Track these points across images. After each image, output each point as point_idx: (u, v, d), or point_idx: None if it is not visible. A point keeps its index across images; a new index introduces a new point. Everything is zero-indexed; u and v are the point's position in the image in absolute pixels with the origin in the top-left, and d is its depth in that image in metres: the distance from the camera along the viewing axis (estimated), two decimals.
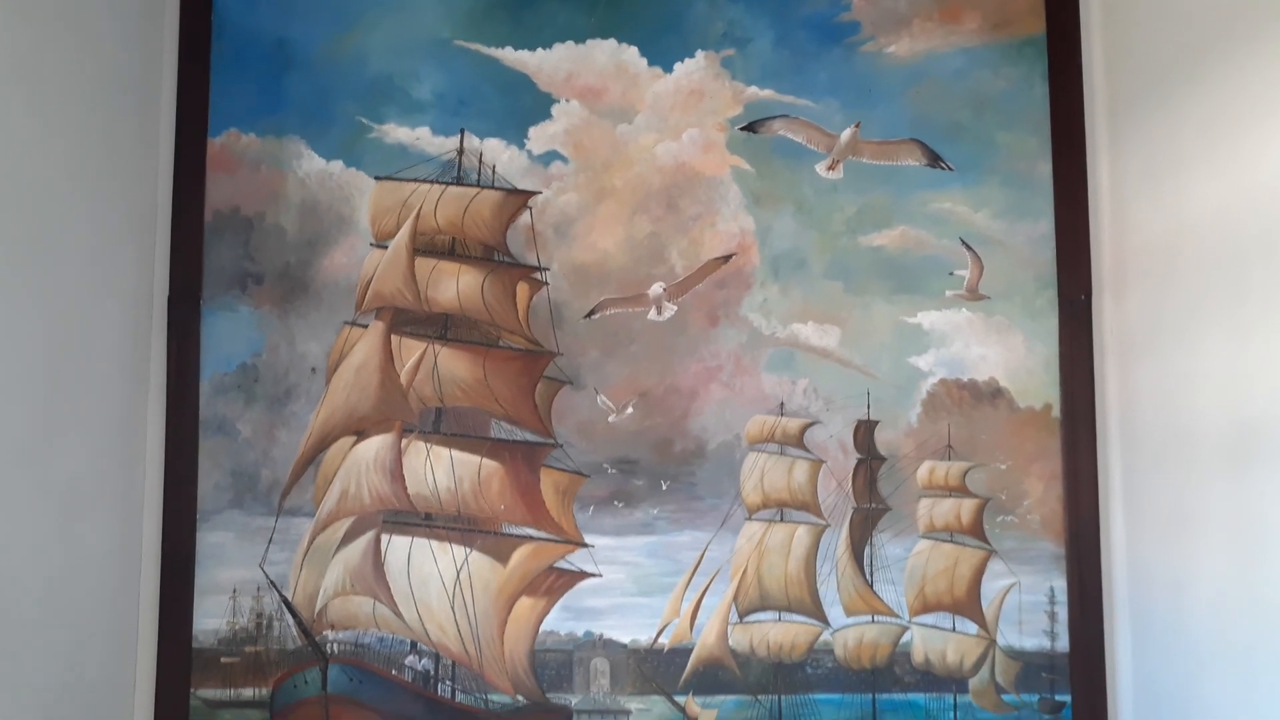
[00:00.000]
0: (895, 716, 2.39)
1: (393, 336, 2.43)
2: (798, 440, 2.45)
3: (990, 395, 2.43)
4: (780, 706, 2.39)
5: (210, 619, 2.36)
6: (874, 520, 2.44)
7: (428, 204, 2.44)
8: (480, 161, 2.45)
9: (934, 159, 2.45)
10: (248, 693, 2.36)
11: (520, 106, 2.46)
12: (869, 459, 2.44)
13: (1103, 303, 2.41)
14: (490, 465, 2.44)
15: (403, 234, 2.43)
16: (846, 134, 2.43)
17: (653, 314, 2.43)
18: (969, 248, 2.44)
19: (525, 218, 2.44)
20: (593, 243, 2.44)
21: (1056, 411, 2.41)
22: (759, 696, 2.39)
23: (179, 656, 2.34)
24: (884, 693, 2.40)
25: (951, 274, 2.44)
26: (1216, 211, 1.96)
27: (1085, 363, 2.40)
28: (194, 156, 2.40)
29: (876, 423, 2.43)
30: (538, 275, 2.44)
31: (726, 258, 2.44)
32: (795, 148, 2.45)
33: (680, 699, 2.39)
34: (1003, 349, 2.43)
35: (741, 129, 2.46)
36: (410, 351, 2.43)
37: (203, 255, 2.40)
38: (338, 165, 2.44)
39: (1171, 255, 2.14)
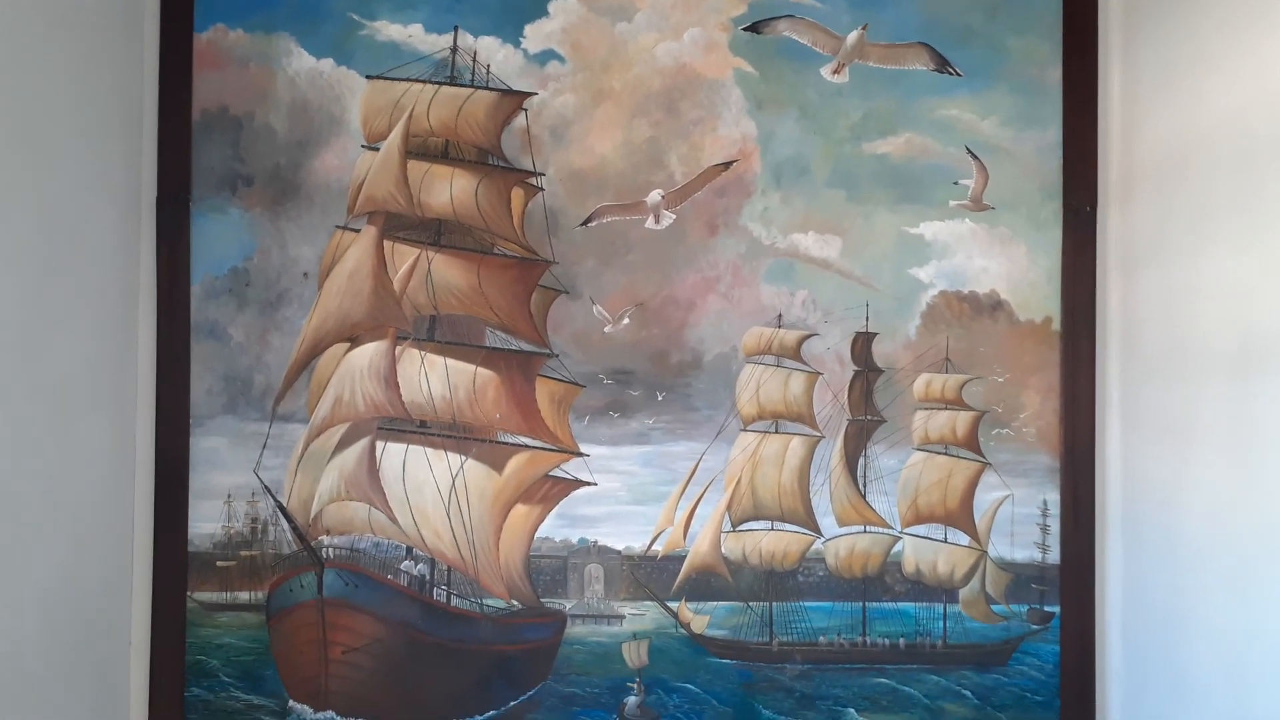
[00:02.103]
0: (885, 625, 2.43)
1: (385, 242, 2.38)
2: (795, 353, 2.43)
3: (990, 308, 2.40)
4: (771, 613, 2.41)
5: (205, 523, 2.37)
6: (869, 432, 2.43)
7: (420, 105, 2.37)
8: (474, 61, 2.37)
9: (942, 64, 2.38)
10: (244, 596, 2.38)
11: (516, 3, 2.37)
12: (866, 371, 2.42)
13: (1108, 214, 2.37)
14: (485, 374, 2.42)
15: (394, 136, 2.37)
16: (853, 36, 2.35)
17: (650, 222, 2.39)
18: (974, 156, 2.38)
19: (520, 120, 2.38)
20: (590, 147, 2.38)
21: (1057, 324, 2.39)
22: (750, 603, 2.42)
23: (175, 560, 2.35)
24: (874, 601, 2.43)
25: (956, 183, 2.39)
26: (1231, 116, 1.91)
27: (1088, 275, 2.37)
28: (180, 52, 2.33)
29: (875, 335, 2.41)
30: (533, 180, 2.38)
31: (727, 164, 2.39)
32: (800, 50, 2.38)
33: (673, 605, 2.41)
34: (1005, 261, 2.40)
35: (745, 29, 2.38)
36: (403, 258, 2.39)
37: (191, 156, 2.34)
38: (328, 64, 2.37)
39: (1181, 164, 2.09)
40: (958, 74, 2.38)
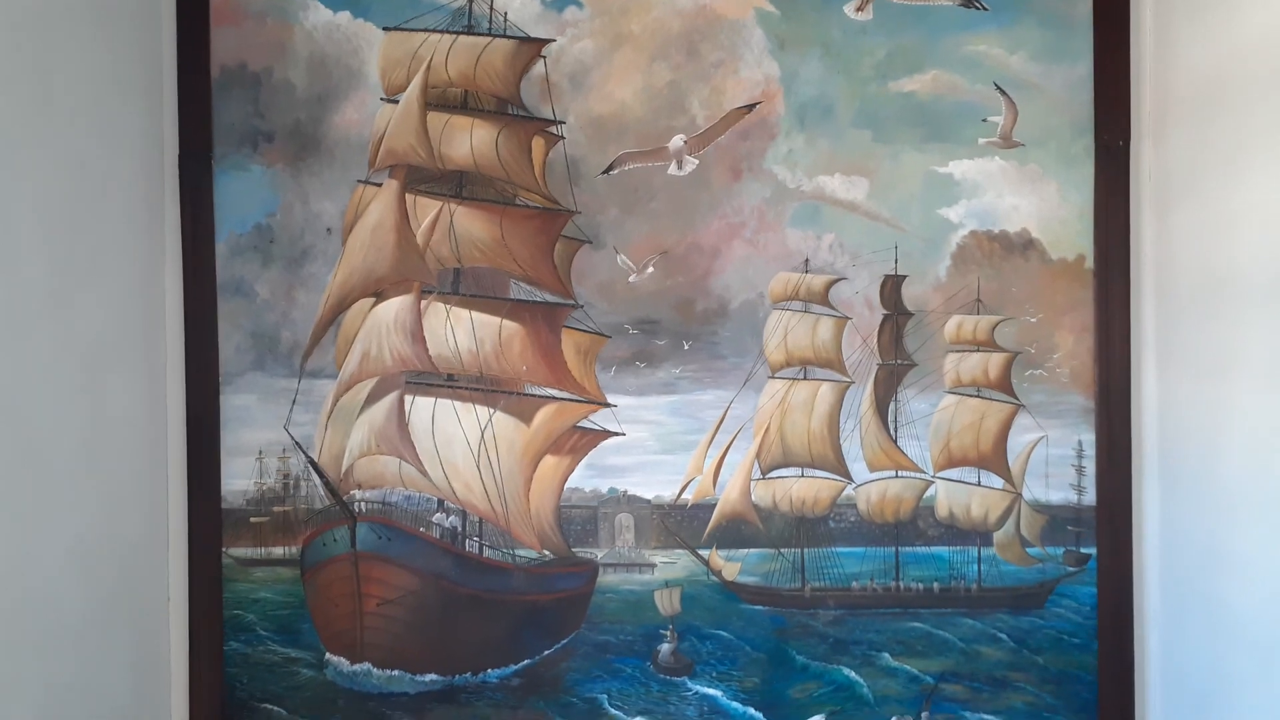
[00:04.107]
0: (918, 569, 2.41)
1: (407, 195, 2.37)
2: (822, 297, 2.40)
3: (1022, 247, 2.36)
4: (803, 559, 2.41)
5: (238, 480, 2.39)
6: (899, 376, 2.41)
7: (438, 55, 2.35)
8: (491, 9, 2.35)
9: None
10: (278, 551, 2.40)
11: None
12: (895, 315, 2.39)
13: (1141, 148, 2.32)
14: (511, 326, 2.41)
15: (413, 88, 2.35)
16: None
17: (673, 168, 2.36)
18: (1003, 93, 2.33)
19: (539, 68, 2.35)
20: (609, 93, 2.35)
21: (1090, 262, 2.34)
22: (781, 550, 2.41)
23: (209, 517, 2.38)
24: (907, 546, 2.41)
25: (985, 121, 2.34)
26: (1269, 33, 1.84)
27: (1121, 211, 2.32)
28: (197, 8, 2.32)
29: (904, 277, 2.37)
30: (553, 129, 2.36)
31: (750, 107, 2.35)
32: None
33: (704, 552, 2.41)
34: (1036, 199, 2.35)
35: None
36: (425, 211, 2.38)
37: (211, 112, 2.34)
38: (345, 16, 2.35)
39: (1217, 90, 2.03)
40: (985, 8, 2.32)
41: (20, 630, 1.77)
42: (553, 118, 2.36)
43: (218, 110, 2.35)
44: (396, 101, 2.36)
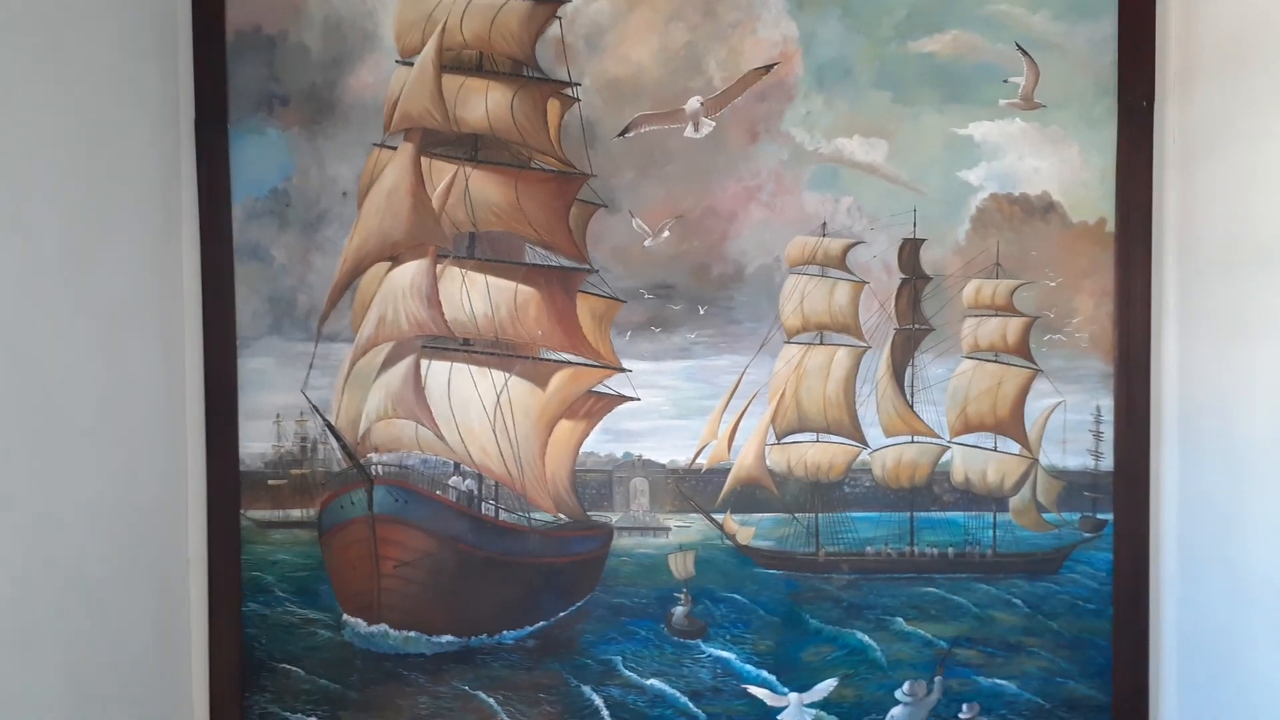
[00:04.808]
0: (933, 534, 2.41)
1: (422, 159, 2.37)
2: (840, 261, 2.38)
3: (1042, 210, 2.33)
4: (818, 524, 2.41)
5: (255, 443, 2.40)
6: (916, 341, 2.39)
7: (453, 17, 2.33)
8: None
9: None
10: (296, 513, 2.42)
11: None
12: (914, 279, 2.37)
13: (1165, 109, 2.28)
14: (526, 291, 2.41)
15: (428, 50, 2.34)
16: None
17: (689, 130, 2.34)
18: (1025, 53, 2.29)
19: (554, 29, 2.33)
20: (625, 54, 2.33)
21: (1111, 225, 2.31)
22: (796, 515, 2.41)
23: (228, 479, 2.40)
24: (922, 511, 2.41)
25: (1006, 81, 2.31)
26: None
27: (1144, 173, 2.29)
28: None
29: (923, 241, 2.35)
30: (569, 91, 2.34)
31: (768, 68, 2.32)
32: None
33: (718, 517, 2.41)
34: (1057, 161, 2.32)
35: None
36: (441, 174, 2.38)
37: (226, 76, 2.33)
38: None
39: (1244, 48, 1.99)
40: None
41: (42, 591, 1.80)
42: (568, 80, 2.34)
43: (233, 74, 2.34)
44: (411, 64, 2.35)
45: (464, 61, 2.37)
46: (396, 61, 2.35)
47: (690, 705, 2.40)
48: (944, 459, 2.40)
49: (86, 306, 1.95)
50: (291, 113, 2.35)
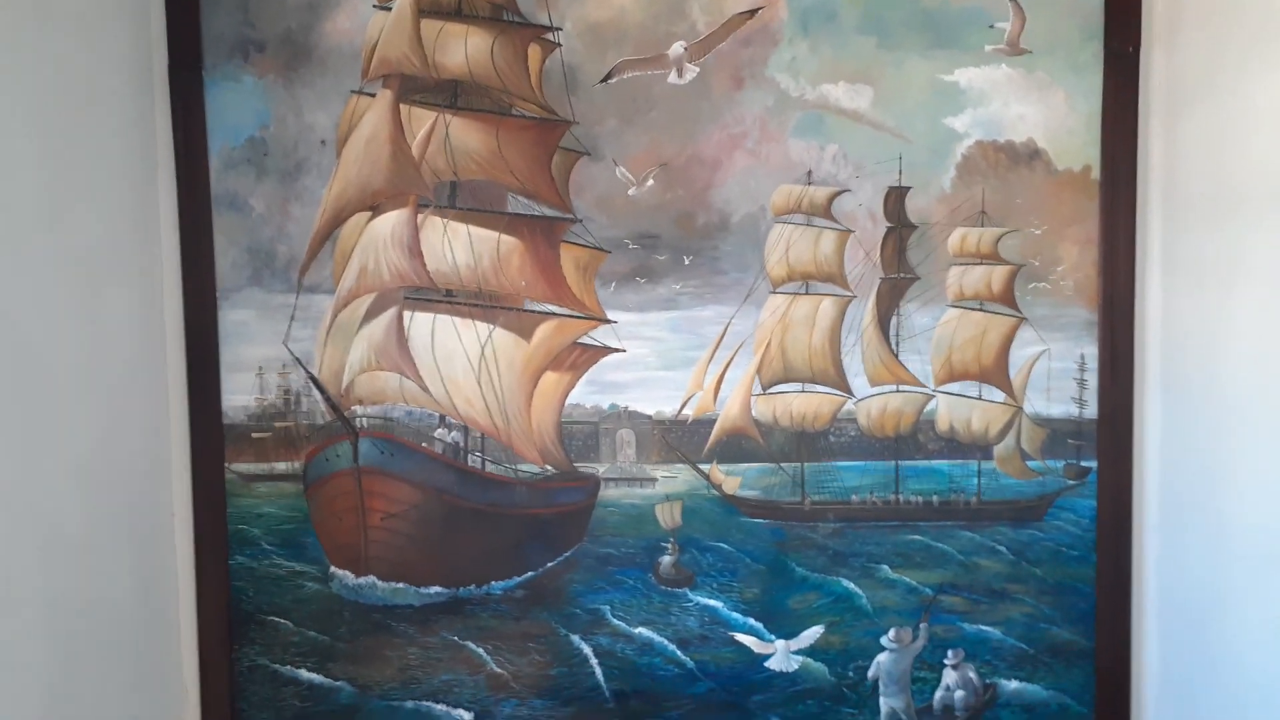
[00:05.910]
0: (918, 482, 2.42)
1: (401, 106, 2.33)
2: (825, 210, 2.37)
3: (1028, 157, 2.32)
4: (803, 474, 2.41)
5: (238, 395, 2.38)
6: (901, 290, 2.39)
7: None
8: None
9: None
10: (281, 466, 2.41)
11: None
12: (899, 227, 2.36)
13: (1151, 55, 2.26)
14: (509, 241, 2.39)
15: None
16: None
17: (673, 76, 2.31)
18: None
19: None
20: None
21: (1096, 173, 2.30)
22: (782, 465, 2.42)
23: (211, 432, 2.38)
24: (907, 460, 2.42)
25: (991, 27, 2.28)
26: None
27: (1129, 120, 2.28)
28: None
29: (908, 189, 2.34)
30: (550, 36, 2.30)
31: (752, 12, 2.29)
32: None
33: (704, 467, 2.41)
34: (1043, 108, 2.30)
35: None
36: (420, 122, 2.34)
37: (200, 20, 2.28)
38: None
39: None
40: None
41: (24, 547, 1.78)
42: (549, 24, 2.30)
43: (206, 19, 2.29)
44: (389, 9, 2.30)
45: (443, 5, 2.32)
46: (374, 6, 2.30)
47: (678, 653, 2.42)
48: (929, 408, 2.41)
49: (63, 260, 1.92)
50: (267, 59, 2.31)
